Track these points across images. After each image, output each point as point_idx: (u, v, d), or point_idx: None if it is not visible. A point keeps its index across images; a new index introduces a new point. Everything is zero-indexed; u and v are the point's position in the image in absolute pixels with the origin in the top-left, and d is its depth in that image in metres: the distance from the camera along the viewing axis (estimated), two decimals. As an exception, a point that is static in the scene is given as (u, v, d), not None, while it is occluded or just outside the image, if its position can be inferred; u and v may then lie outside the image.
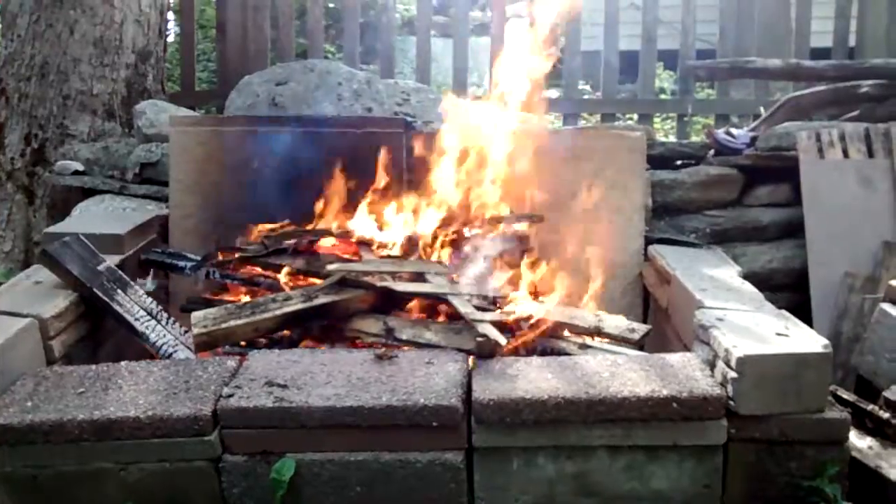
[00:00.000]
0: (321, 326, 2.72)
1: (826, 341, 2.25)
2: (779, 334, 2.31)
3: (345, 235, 3.09)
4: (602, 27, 5.28)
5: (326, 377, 2.28)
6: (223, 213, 3.37)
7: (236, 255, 3.02)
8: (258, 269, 3.01)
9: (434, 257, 3.03)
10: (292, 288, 2.85)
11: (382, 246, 3.05)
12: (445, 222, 3.11)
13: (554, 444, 2.19)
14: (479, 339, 2.42)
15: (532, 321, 2.65)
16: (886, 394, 2.51)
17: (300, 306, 2.66)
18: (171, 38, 5.77)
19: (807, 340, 2.28)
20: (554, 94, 5.45)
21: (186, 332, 2.73)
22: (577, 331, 2.70)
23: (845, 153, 3.62)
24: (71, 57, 4.27)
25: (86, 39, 4.29)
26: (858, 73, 4.11)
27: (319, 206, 3.22)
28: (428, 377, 2.26)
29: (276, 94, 3.92)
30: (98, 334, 2.82)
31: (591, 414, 2.15)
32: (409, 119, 3.69)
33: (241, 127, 3.51)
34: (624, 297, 3.28)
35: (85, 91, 4.31)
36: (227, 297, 3.00)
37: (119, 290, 2.77)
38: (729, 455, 2.21)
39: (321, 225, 3.19)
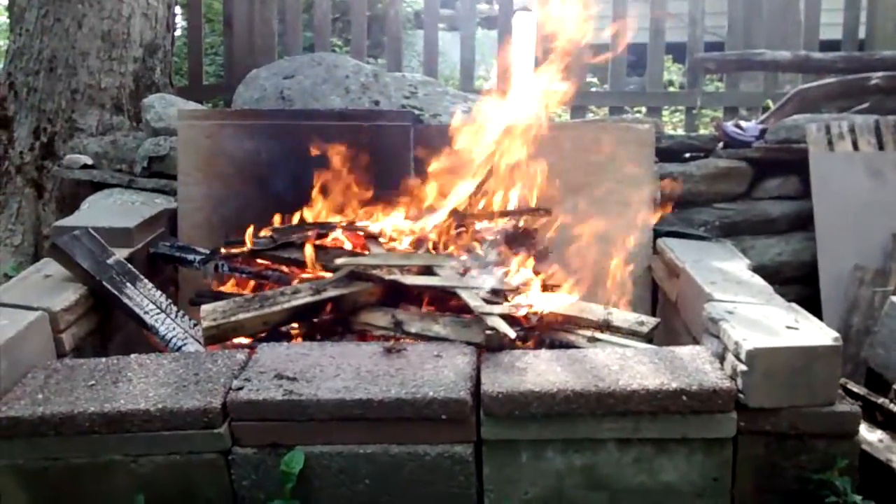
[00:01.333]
0: (330, 320, 2.73)
1: (836, 334, 2.25)
2: (788, 327, 2.30)
3: (353, 229, 3.09)
4: (610, 20, 5.25)
5: (335, 370, 2.29)
6: (232, 206, 3.37)
7: (245, 249, 3.02)
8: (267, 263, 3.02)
9: (442, 251, 3.02)
10: (301, 281, 2.86)
11: (391, 239, 3.05)
12: (454, 216, 3.10)
13: (563, 437, 2.19)
14: (488, 332, 2.42)
15: (541, 314, 2.65)
16: (897, 387, 2.51)
17: (309, 299, 2.66)
18: (178, 32, 5.77)
19: (817, 333, 2.27)
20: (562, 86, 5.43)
21: (196, 325, 2.74)
22: (586, 324, 2.69)
23: (855, 145, 3.61)
24: (79, 51, 4.28)
25: (94, 33, 4.30)
26: (868, 65, 4.10)
27: (327, 199, 3.22)
28: (437, 370, 2.26)
29: (283, 88, 3.92)
30: (108, 327, 2.83)
31: (601, 407, 2.15)
32: (416, 112, 3.69)
33: (248, 120, 3.51)
34: (633, 290, 3.27)
35: (93, 85, 4.32)
36: (235, 291, 3.01)
37: (128, 284, 2.78)
38: (738, 448, 2.20)
39: (329, 218, 3.19)
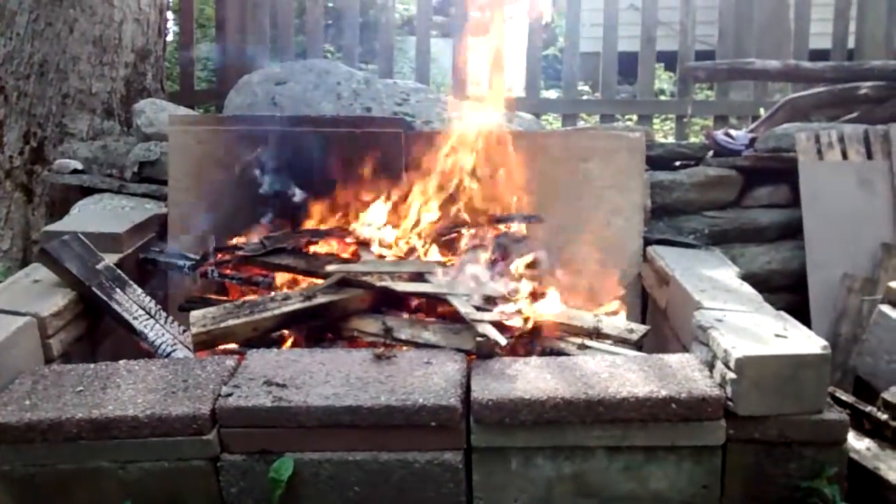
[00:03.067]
0: (320, 326, 2.72)
1: (824, 342, 2.25)
2: (777, 335, 2.31)
3: (344, 235, 3.09)
4: (601, 28, 5.28)
5: (325, 377, 2.28)
6: (222, 212, 3.36)
7: (235, 255, 3.01)
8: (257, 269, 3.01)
9: (433, 257, 3.03)
10: (291, 287, 2.86)
11: (381, 246, 3.05)
12: (444, 222, 3.11)
13: (552, 444, 2.19)
14: (479, 339, 2.42)
15: (531, 322, 2.65)
16: (885, 395, 2.51)
17: (299, 305, 2.66)
18: (170, 38, 5.77)
19: (805, 342, 2.28)
20: (553, 94, 5.45)
21: (185, 331, 2.73)
22: (576, 331, 2.70)
23: (844, 155, 3.63)
24: (70, 55, 4.26)
25: (85, 38, 4.28)
26: (857, 74, 4.12)
27: (318, 205, 3.22)
28: (427, 377, 2.26)
29: (275, 94, 3.91)
30: (97, 333, 2.82)
31: (590, 414, 2.16)
32: (408, 119, 3.69)
33: (239, 126, 3.50)
34: (623, 297, 3.28)
35: (84, 90, 4.30)
36: (225, 297, 3.00)
37: (118, 289, 2.77)
38: (727, 456, 2.21)
39: (320, 225, 3.18)
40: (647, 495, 2.22)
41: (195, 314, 2.64)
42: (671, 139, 5.54)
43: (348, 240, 3.08)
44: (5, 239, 4.24)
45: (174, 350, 2.65)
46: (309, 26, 5.30)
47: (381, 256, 2.99)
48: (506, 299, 2.73)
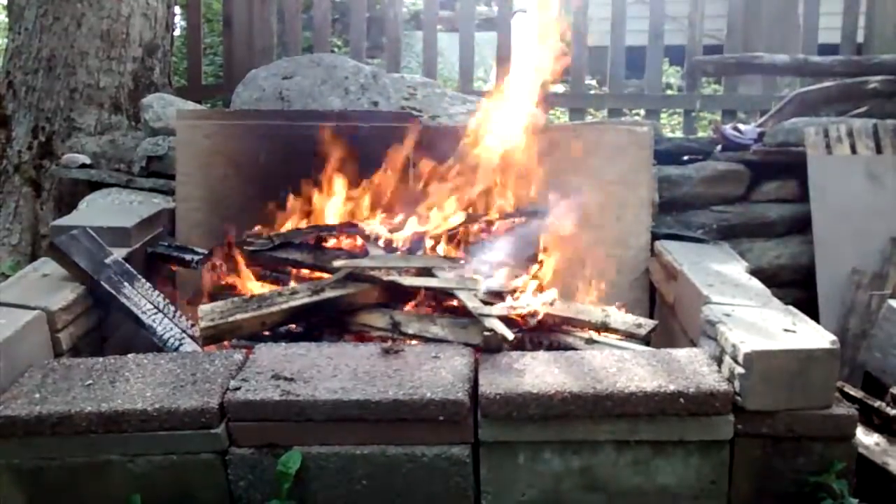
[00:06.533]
0: (328, 320, 2.72)
1: (833, 337, 2.25)
2: (786, 330, 2.31)
3: (351, 231, 3.09)
4: (609, 22, 5.26)
5: (333, 370, 2.29)
6: (230, 206, 3.36)
7: (243, 249, 3.01)
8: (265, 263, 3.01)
9: (441, 252, 3.02)
10: (299, 282, 2.86)
11: (389, 241, 3.05)
12: (452, 217, 3.10)
13: (560, 438, 2.19)
14: (486, 333, 2.42)
15: (538, 316, 2.65)
16: (894, 390, 2.51)
17: (307, 300, 2.66)
18: (177, 32, 5.77)
19: (814, 336, 2.27)
20: (560, 88, 5.44)
21: (193, 325, 2.74)
22: (584, 326, 2.70)
23: (853, 149, 3.61)
24: (78, 50, 4.27)
25: (93, 33, 4.29)
26: (866, 68, 4.10)
27: (326, 200, 3.22)
28: (434, 371, 2.27)
29: (282, 88, 3.91)
30: (105, 327, 2.82)
31: (598, 409, 2.15)
32: (415, 113, 3.69)
33: (247, 121, 3.51)
34: (630, 292, 3.28)
35: (92, 84, 4.31)
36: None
37: (126, 283, 2.78)
38: (735, 450, 2.21)
39: (327, 220, 3.18)
40: (654, 490, 2.22)
41: (203, 308, 2.65)
42: (679, 133, 5.52)
43: (356, 235, 3.08)
44: (14, 233, 4.25)
45: (182, 344, 2.66)
46: (316, 21, 5.29)
47: (388, 250, 2.99)
48: (513, 294, 2.73)
